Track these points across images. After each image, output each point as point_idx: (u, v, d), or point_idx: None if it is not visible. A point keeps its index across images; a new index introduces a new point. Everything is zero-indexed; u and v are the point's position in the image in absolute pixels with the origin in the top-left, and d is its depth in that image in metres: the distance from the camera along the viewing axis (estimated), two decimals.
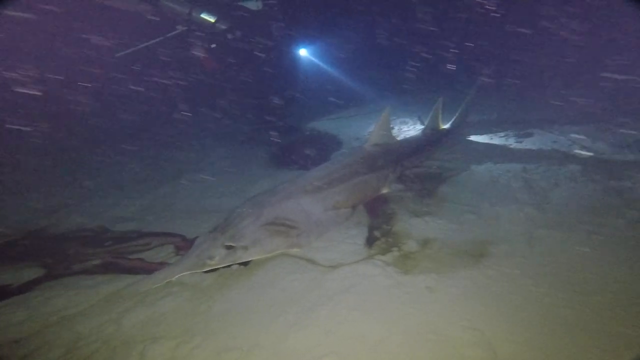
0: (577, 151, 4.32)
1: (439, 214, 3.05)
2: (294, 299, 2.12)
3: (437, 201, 3.32)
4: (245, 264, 2.55)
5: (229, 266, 2.51)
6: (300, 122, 7.28)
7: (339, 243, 2.75)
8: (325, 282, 2.25)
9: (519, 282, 2.15)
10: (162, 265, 2.63)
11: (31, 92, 6.00)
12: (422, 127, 5.20)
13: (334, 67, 9.25)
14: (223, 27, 5.65)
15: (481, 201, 3.21)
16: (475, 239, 2.68)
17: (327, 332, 1.84)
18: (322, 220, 2.92)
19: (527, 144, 4.80)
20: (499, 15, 8.36)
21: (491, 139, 5.20)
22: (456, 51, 8.61)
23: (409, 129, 6.16)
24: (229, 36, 5.69)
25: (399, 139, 4.82)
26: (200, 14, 5.56)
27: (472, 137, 5.30)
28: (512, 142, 4.93)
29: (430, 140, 4.62)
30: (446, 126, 5.07)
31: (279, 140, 5.95)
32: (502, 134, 5.31)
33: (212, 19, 5.59)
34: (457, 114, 5.30)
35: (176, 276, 2.34)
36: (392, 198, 3.44)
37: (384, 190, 3.58)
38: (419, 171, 4.06)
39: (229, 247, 2.50)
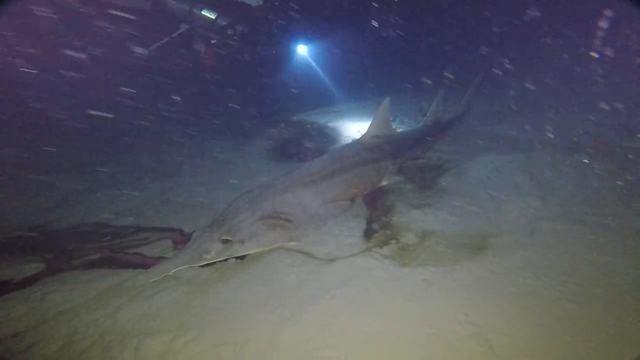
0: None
1: (439, 206, 3.01)
2: (290, 293, 2.11)
3: (437, 193, 3.28)
4: (242, 257, 2.54)
5: (225, 260, 2.50)
6: (283, 113, 7.36)
7: (337, 236, 2.73)
8: (322, 275, 2.23)
9: (518, 275, 2.11)
10: (159, 259, 2.63)
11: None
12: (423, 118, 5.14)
13: (325, 68, 9.21)
14: (224, 23, 5.71)
15: (482, 192, 3.16)
16: (475, 231, 2.64)
17: (323, 326, 1.83)
18: (319, 213, 2.89)
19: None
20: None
21: (493, 129, 5.11)
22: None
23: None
24: (229, 32, 5.75)
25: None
26: (201, 10, 5.62)
27: (474, 128, 5.21)
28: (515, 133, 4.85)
29: (431, 132, 4.55)
30: (447, 117, 4.99)
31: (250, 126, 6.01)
32: (505, 125, 5.22)
33: (212, 16, 5.65)
34: (459, 106, 5.22)
35: (172, 270, 2.34)
36: (392, 190, 3.41)
37: (384, 182, 3.54)
38: (419, 163, 4.01)
39: (225, 241, 2.49)
